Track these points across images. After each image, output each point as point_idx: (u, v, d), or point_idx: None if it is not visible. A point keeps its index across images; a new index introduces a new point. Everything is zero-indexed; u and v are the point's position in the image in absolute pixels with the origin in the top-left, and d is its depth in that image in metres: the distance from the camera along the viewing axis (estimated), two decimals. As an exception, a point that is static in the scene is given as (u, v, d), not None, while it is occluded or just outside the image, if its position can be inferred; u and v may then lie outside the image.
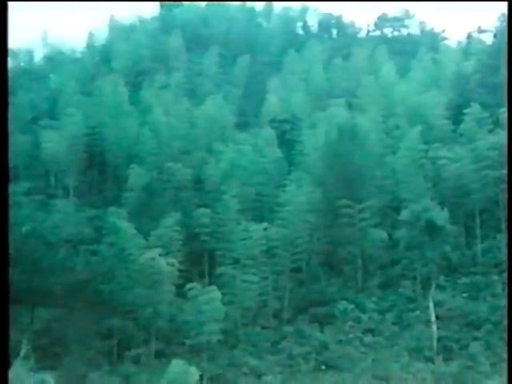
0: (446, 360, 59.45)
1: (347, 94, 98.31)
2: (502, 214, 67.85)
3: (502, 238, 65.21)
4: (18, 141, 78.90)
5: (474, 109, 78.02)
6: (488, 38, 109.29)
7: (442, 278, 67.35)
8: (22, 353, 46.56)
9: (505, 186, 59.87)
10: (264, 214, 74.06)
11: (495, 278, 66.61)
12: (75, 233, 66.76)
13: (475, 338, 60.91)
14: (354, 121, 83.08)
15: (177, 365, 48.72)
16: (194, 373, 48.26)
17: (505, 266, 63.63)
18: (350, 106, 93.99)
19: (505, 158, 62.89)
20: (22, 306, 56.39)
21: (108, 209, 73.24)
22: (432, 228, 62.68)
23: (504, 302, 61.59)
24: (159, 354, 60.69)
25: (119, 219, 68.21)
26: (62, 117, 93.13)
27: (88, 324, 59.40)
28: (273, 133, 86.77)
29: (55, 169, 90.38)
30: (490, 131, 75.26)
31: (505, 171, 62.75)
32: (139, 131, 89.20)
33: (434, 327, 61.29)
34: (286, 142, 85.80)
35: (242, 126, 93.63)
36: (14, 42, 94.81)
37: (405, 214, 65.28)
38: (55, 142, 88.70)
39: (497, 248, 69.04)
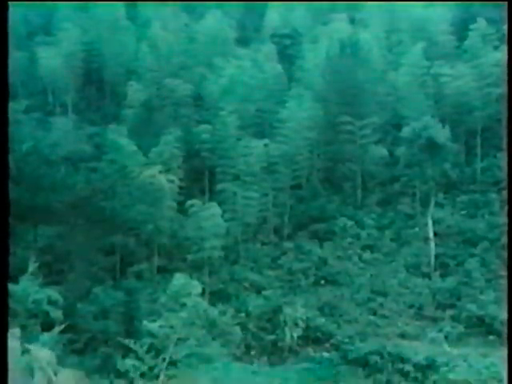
0: (442, 276, 60.61)
1: (350, 9, 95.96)
2: (504, 132, 67.51)
3: (503, 157, 65.11)
4: (14, 57, 77.37)
5: (480, 24, 76.12)
6: None
7: (440, 195, 67.86)
8: (30, 269, 47.29)
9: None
10: (264, 130, 73.68)
11: (493, 196, 66.99)
12: (75, 150, 66.50)
13: (471, 255, 61.80)
14: (356, 36, 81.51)
15: (180, 278, 49.41)
16: (196, 286, 49.01)
17: (504, 184, 64.06)
18: (352, 20, 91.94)
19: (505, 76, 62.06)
20: (25, 223, 56.97)
21: (107, 126, 72.71)
22: (432, 145, 62.47)
23: (501, 219, 62.36)
24: (161, 270, 61.67)
25: (119, 136, 67.72)
26: (57, 32, 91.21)
27: (91, 241, 60.14)
28: (273, 48, 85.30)
29: (53, 86, 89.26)
30: (496, 48, 73.88)
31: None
32: (137, 47, 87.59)
33: (432, 244, 62.09)
34: (287, 58, 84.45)
35: (243, 41, 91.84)
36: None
37: (405, 131, 64.98)
38: (52, 58, 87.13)
39: (496, 166, 69.10)
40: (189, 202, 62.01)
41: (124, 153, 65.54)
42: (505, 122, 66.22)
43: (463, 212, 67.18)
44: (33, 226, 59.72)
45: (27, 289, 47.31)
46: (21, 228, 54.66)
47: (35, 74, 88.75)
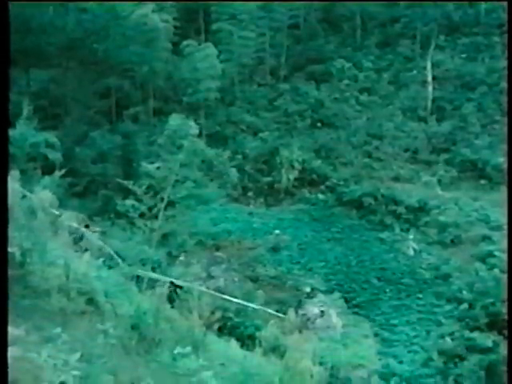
0: (438, 120, 60.35)
1: None
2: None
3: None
4: None
5: None
6: None
7: (441, 37, 66.00)
8: (25, 113, 46.64)
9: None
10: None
11: (496, 39, 65.17)
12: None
13: (469, 100, 61.21)
14: None
15: (176, 119, 49.13)
16: (193, 126, 48.88)
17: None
18: None
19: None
20: (17, 67, 55.40)
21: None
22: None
23: (502, 63, 61.31)
24: (157, 112, 61.27)
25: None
26: None
27: (85, 84, 59.22)
28: None
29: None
30: None
31: None
32: None
33: (430, 87, 61.35)
34: None
35: None
36: None
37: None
38: None
39: (501, 8, 66.57)
40: (184, 43, 60.54)
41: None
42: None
43: (463, 55, 65.69)
44: (24, 70, 58.37)
45: (24, 133, 47.00)
46: (12, 72, 53.42)
47: None
